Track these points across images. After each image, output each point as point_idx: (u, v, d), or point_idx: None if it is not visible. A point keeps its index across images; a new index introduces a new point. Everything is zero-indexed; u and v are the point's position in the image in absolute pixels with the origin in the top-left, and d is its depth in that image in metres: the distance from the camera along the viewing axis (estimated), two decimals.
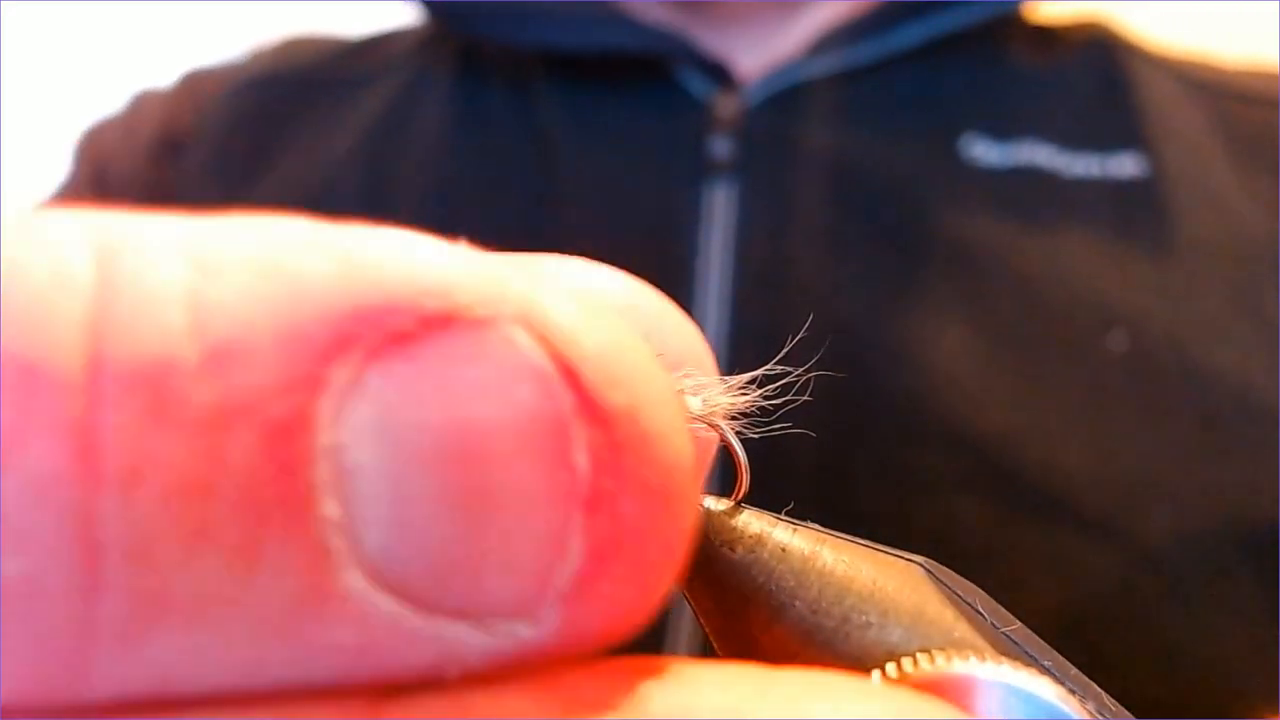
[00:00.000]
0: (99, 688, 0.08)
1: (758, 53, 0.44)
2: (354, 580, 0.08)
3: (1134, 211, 0.41)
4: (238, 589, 0.08)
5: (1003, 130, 0.41)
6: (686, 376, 0.12)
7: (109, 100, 0.51)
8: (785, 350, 0.37)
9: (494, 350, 0.09)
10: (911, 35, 0.42)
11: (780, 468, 0.37)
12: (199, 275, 0.08)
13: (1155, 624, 0.35)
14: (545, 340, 0.09)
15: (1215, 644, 0.35)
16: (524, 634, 0.09)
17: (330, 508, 0.08)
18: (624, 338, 0.09)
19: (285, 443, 0.08)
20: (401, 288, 0.08)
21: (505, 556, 0.09)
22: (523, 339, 0.09)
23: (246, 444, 0.08)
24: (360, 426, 0.08)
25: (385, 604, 0.08)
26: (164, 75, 0.50)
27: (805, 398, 0.38)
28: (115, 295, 0.08)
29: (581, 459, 0.09)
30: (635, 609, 0.09)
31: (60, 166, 0.49)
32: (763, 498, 0.13)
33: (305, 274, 0.08)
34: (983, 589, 0.12)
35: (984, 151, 0.41)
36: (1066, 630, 0.35)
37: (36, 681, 0.08)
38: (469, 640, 0.09)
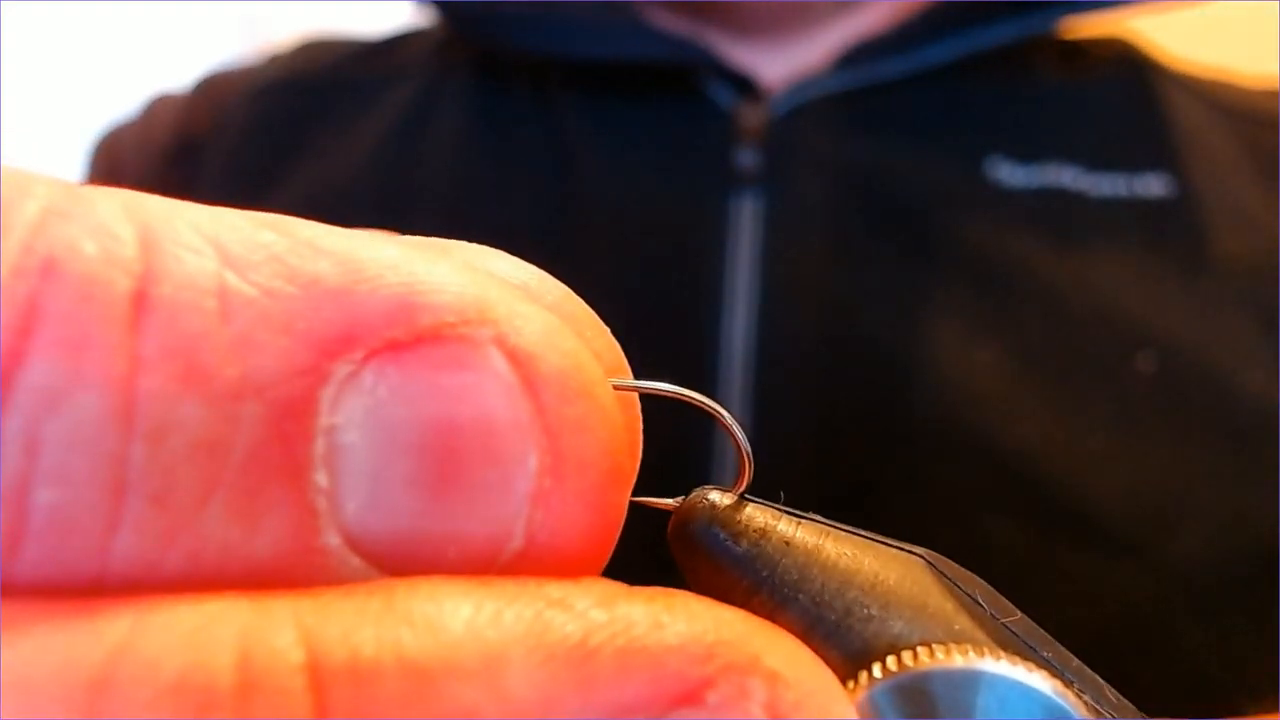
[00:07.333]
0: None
1: (783, 64, 0.43)
2: (332, 540, 0.10)
3: (1162, 231, 0.40)
4: (237, 536, 0.10)
5: (1028, 152, 0.41)
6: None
7: (119, 99, 0.52)
8: (813, 365, 0.37)
9: (472, 363, 0.10)
10: (940, 53, 0.41)
11: (806, 484, 0.36)
12: (229, 269, 0.10)
13: (1185, 644, 0.35)
14: (514, 359, 0.10)
15: (1245, 664, 0.34)
16: None
17: (321, 477, 0.10)
18: (579, 360, 0.11)
19: (290, 418, 0.10)
20: (400, 302, 0.10)
21: (464, 537, 0.10)
22: (496, 357, 0.10)
23: (258, 416, 0.10)
24: (353, 413, 0.10)
25: (355, 563, 0.10)
26: (179, 75, 0.51)
27: (831, 413, 0.37)
28: (158, 278, 0.10)
29: (533, 461, 0.10)
30: None
31: (64, 166, 0.50)
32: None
33: (320, 280, 0.10)
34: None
35: (1009, 174, 0.40)
36: (1095, 649, 0.34)
37: (49, 592, 0.09)
38: None
